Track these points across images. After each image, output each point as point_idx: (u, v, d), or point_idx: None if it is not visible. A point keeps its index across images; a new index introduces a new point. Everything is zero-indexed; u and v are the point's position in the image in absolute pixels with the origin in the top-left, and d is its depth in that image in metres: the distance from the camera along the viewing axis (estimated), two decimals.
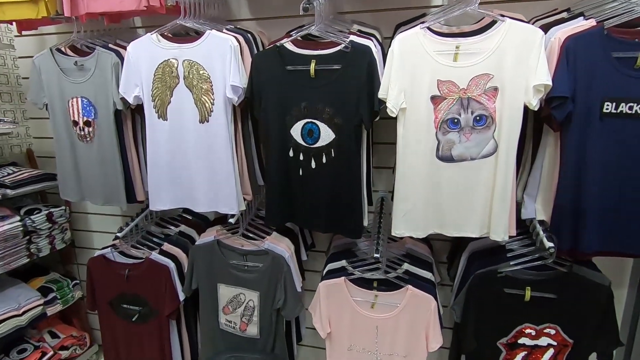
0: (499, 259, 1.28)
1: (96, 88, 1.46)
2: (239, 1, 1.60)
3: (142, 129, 1.51)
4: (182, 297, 1.57)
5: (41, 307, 1.85)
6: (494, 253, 1.31)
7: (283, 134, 1.29)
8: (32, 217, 1.78)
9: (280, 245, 1.48)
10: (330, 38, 1.21)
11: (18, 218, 1.73)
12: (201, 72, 1.30)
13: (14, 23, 1.58)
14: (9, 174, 1.73)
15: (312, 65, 1.21)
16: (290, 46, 1.26)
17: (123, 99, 1.41)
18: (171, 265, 1.55)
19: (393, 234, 1.25)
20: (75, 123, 1.52)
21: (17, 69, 2.02)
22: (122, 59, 1.41)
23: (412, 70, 1.12)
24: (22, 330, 1.80)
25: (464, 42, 1.09)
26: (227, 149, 1.33)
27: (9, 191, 1.68)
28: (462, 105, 1.11)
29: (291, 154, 1.30)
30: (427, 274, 1.36)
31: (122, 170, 1.52)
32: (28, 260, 1.80)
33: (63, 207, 1.92)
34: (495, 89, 1.09)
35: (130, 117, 1.51)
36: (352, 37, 1.21)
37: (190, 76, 1.31)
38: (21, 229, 1.73)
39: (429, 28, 1.12)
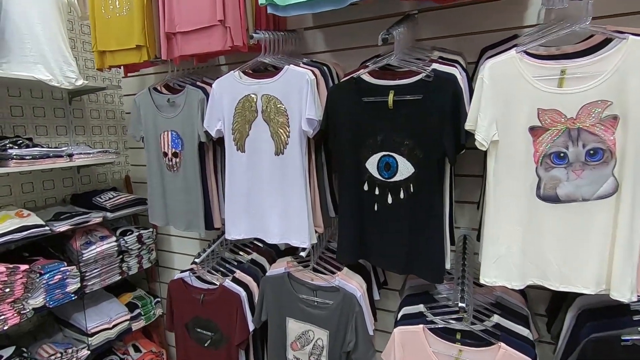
0: (621, 322, 1.04)
1: (184, 122, 1.58)
2: (314, 34, 1.63)
3: (222, 160, 1.59)
4: (251, 327, 1.57)
5: (128, 322, 2.01)
6: (613, 313, 1.08)
7: (358, 167, 1.24)
8: (125, 237, 1.96)
9: (351, 282, 1.40)
10: (410, 67, 1.15)
11: (114, 238, 1.91)
12: (278, 105, 1.32)
13: (122, 67, 1.81)
14: (110, 198, 1.94)
15: (391, 96, 1.15)
16: (367, 77, 1.22)
17: (206, 132, 1.50)
18: (242, 293, 1.56)
19: (482, 281, 1.10)
20: (165, 154, 1.66)
21: (122, 105, 2.31)
22: (207, 95, 1.52)
23: (507, 99, 1.00)
24: (111, 342, 1.95)
25: (571, 65, 0.95)
26: (301, 181, 1.32)
27: (109, 214, 1.88)
28: (571, 137, 0.95)
29: (366, 187, 1.24)
30: (523, 330, 1.16)
31: (202, 198, 1.60)
32: (120, 277, 1.97)
33: (151, 229, 2.09)
34: (615, 117, 0.92)
35: (212, 148, 1.60)
36: (435, 65, 1.13)
37: (268, 110, 1.34)
38: (116, 248, 1.92)
39: (525, 51, 1.00)
